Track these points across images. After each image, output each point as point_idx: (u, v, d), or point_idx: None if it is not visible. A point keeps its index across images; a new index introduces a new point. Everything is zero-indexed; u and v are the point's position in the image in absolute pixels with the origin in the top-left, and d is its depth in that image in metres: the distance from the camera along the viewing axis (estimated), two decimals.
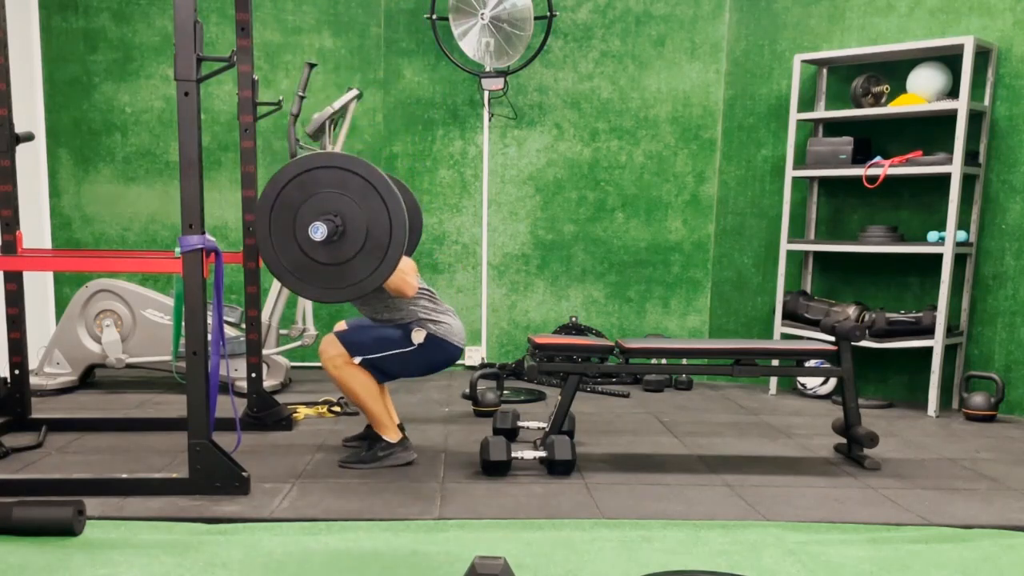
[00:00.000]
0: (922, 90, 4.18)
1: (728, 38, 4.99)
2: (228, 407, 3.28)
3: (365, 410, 3.12)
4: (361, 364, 3.04)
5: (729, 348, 3.30)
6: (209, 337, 2.78)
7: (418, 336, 3.05)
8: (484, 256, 5.20)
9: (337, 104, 4.32)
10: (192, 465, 2.74)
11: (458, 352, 3.15)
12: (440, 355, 3.11)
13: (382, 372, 3.10)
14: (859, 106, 4.36)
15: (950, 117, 4.06)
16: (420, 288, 3.12)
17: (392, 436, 3.16)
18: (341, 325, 3.19)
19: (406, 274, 2.97)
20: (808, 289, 4.74)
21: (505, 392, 4.39)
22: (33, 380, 4.11)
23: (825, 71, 4.60)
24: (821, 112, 4.55)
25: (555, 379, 4.72)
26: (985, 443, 3.65)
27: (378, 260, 2.75)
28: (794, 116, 4.50)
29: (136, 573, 2.19)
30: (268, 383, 4.33)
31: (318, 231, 2.66)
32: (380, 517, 2.60)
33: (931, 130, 4.27)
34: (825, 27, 4.59)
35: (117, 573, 2.19)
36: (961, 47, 3.96)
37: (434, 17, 4.84)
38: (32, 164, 4.76)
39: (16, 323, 3.40)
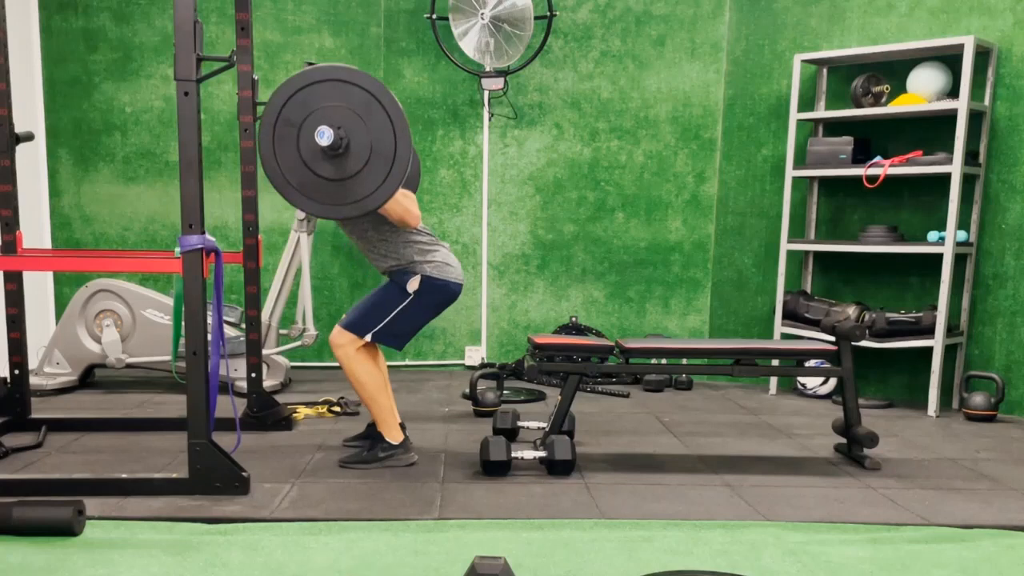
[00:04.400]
0: (922, 90, 4.18)
1: (728, 38, 4.98)
2: (228, 407, 3.28)
3: (371, 404, 3.13)
4: (374, 339, 3.04)
5: (729, 348, 3.30)
6: (209, 337, 2.78)
7: (413, 284, 3.03)
8: (484, 256, 5.20)
9: None
10: (192, 465, 2.74)
11: (457, 288, 3.12)
12: (440, 295, 3.09)
13: (396, 336, 3.08)
14: (859, 106, 4.36)
15: (950, 117, 4.06)
16: (420, 226, 3.10)
17: (394, 437, 3.16)
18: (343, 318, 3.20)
19: (407, 205, 2.96)
20: (808, 289, 4.74)
21: (505, 392, 4.39)
22: (33, 380, 4.11)
23: (825, 71, 4.60)
24: (821, 112, 4.55)
25: (555, 379, 4.72)
26: (985, 443, 3.65)
27: (383, 176, 2.72)
28: (794, 116, 4.50)
29: (136, 573, 2.19)
30: (268, 383, 4.33)
31: (323, 136, 2.62)
32: (380, 517, 2.60)
33: (931, 130, 4.27)
34: (825, 27, 4.59)
35: (117, 573, 2.19)
36: (961, 47, 3.96)
37: (434, 17, 4.84)
38: (32, 164, 4.76)
39: (16, 323, 3.40)
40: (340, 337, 3.08)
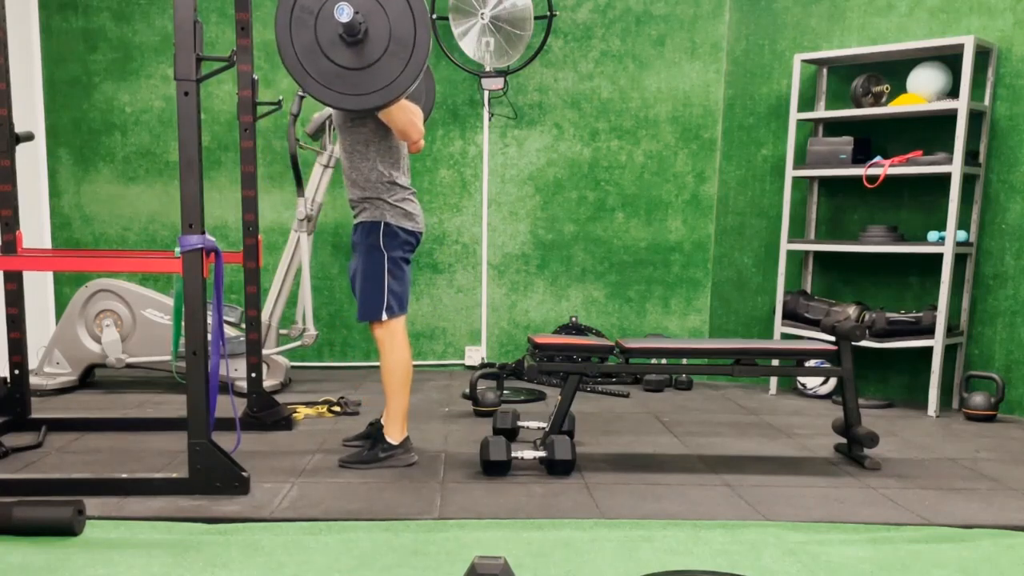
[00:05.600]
0: (922, 90, 4.18)
1: (728, 38, 4.98)
2: (228, 407, 3.28)
3: (392, 397, 3.13)
4: (394, 315, 3.05)
5: (729, 348, 3.30)
6: (209, 337, 2.78)
7: (380, 241, 3.03)
8: (484, 256, 5.20)
9: None
10: (192, 465, 2.74)
11: (417, 236, 3.13)
12: (403, 238, 3.08)
13: (400, 295, 3.09)
14: (859, 106, 4.36)
15: (950, 117, 4.06)
16: (403, 175, 3.10)
17: (396, 437, 3.16)
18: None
19: (414, 115, 2.95)
20: (808, 289, 4.74)
21: (505, 392, 4.38)
22: (33, 380, 4.11)
23: (825, 71, 4.60)
24: (821, 112, 4.55)
25: (555, 379, 4.72)
26: (985, 443, 3.65)
27: (403, 63, 2.66)
28: (794, 116, 4.50)
29: (136, 573, 2.19)
30: (268, 383, 4.33)
31: (343, 12, 2.55)
32: (380, 517, 2.60)
33: (931, 130, 4.27)
34: (825, 27, 4.59)
35: (117, 573, 2.19)
36: (961, 47, 3.96)
37: (434, 17, 4.84)
38: (32, 164, 4.76)
39: (16, 323, 3.40)
40: (375, 332, 3.10)
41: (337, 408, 4.05)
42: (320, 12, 2.65)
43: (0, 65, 3.19)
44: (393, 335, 3.09)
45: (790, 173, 4.53)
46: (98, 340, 4.38)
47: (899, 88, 4.32)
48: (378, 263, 3.04)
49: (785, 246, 4.57)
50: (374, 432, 3.30)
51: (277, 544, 2.39)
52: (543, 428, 3.43)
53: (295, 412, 3.94)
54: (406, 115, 2.91)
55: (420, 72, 2.70)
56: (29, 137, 3.37)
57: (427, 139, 5.10)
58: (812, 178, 4.64)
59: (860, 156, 4.34)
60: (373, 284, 3.05)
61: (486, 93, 4.98)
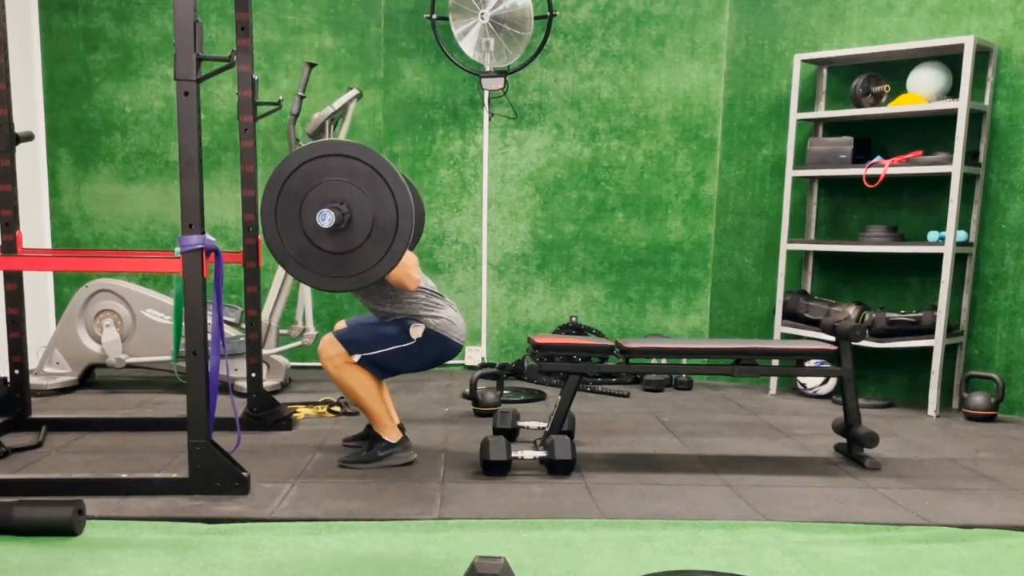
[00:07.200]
0: (922, 90, 4.18)
1: (728, 38, 4.98)
2: (228, 407, 3.28)
3: (365, 410, 3.13)
4: (360, 362, 3.04)
5: (729, 348, 3.30)
6: (209, 337, 2.78)
7: (416, 331, 3.05)
8: (484, 256, 5.20)
9: (337, 104, 4.33)
10: (192, 465, 2.74)
11: (457, 347, 3.15)
12: (439, 349, 3.11)
13: (381, 368, 3.10)
14: (859, 106, 4.36)
15: (950, 117, 4.06)
16: (421, 284, 3.12)
17: (392, 436, 3.16)
18: (340, 324, 3.20)
19: (408, 268, 2.97)
20: (808, 289, 4.74)
21: (505, 392, 4.38)
22: (33, 380, 4.10)
23: (825, 71, 4.60)
24: (821, 112, 4.55)
25: (555, 379, 4.72)
26: (985, 443, 3.65)
27: (383, 250, 2.73)
28: (794, 116, 4.50)
29: (136, 573, 2.19)
30: (268, 383, 4.33)
31: (326, 218, 2.64)
32: (380, 517, 2.60)
33: (931, 130, 4.27)
34: (825, 27, 4.59)
35: (117, 573, 2.19)
36: (961, 47, 3.96)
37: (434, 17, 4.84)
38: (32, 164, 4.76)
39: (16, 323, 3.40)
40: (330, 348, 3.07)
41: (337, 408, 4.05)
42: (306, 198, 2.70)
43: (0, 65, 3.19)
44: (339, 368, 3.06)
45: (790, 173, 4.53)
46: (98, 340, 4.38)
47: (899, 88, 4.32)
48: (397, 338, 3.05)
49: (785, 246, 4.57)
50: (373, 432, 3.29)
51: (277, 544, 2.39)
52: (543, 428, 3.43)
53: (295, 412, 3.94)
54: (402, 269, 2.93)
55: (399, 259, 2.75)
56: (29, 137, 3.37)
57: (427, 139, 5.11)
58: (812, 178, 4.64)
59: (860, 156, 4.34)
60: (375, 339, 3.05)
61: (486, 93, 4.98)
